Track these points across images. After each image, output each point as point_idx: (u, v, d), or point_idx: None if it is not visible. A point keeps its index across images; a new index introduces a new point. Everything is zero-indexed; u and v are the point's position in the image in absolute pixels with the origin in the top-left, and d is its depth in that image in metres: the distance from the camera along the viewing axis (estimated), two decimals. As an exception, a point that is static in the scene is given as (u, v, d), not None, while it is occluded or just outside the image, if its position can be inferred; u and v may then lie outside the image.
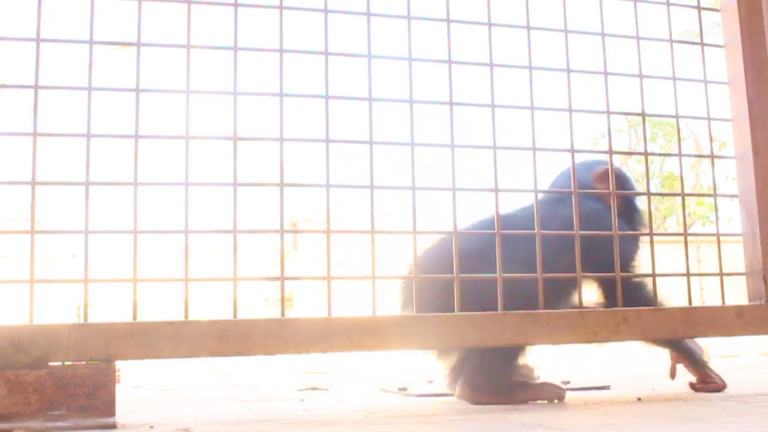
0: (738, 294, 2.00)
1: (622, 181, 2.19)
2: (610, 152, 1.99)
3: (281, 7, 1.73)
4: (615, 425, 1.29)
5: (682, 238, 1.99)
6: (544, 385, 2.02)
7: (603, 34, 1.98)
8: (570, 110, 1.91)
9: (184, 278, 1.60)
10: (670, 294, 2.03)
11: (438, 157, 1.79)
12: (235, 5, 1.69)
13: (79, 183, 1.56)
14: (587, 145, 14.30)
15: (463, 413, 1.67)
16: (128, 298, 1.55)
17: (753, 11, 2.08)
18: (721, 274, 2.02)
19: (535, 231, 1.83)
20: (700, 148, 15.79)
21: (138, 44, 1.62)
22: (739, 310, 1.95)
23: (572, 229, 1.87)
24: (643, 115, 2.00)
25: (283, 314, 1.62)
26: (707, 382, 2.11)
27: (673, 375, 2.24)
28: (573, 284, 1.90)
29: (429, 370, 2.78)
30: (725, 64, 2.13)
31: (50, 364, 1.46)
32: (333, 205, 1.73)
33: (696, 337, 2.00)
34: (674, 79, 2.05)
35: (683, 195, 2.06)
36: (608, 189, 1.98)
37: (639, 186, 2.17)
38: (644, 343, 2.05)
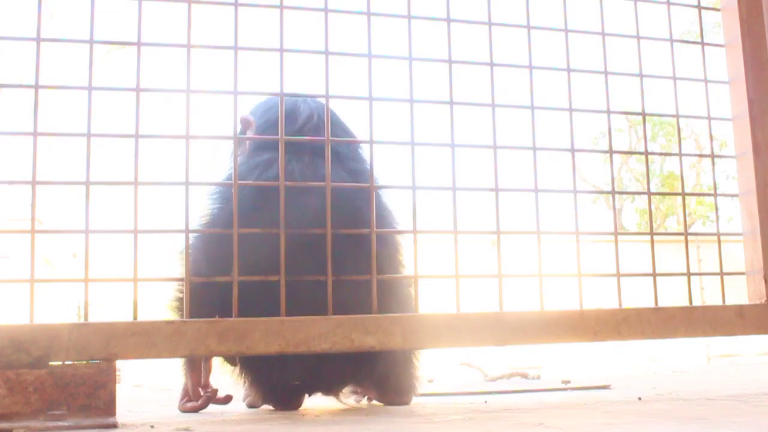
0: (738, 294, 2.00)
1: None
2: (611, 151, 1.99)
3: (281, 7, 1.73)
4: (615, 425, 1.29)
5: (682, 237, 1.99)
6: None
7: (603, 34, 1.98)
8: (570, 110, 1.91)
9: (184, 278, 1.60)
10: (671, 293, 2.02)
11: (438, 157, 1.79)
12: (236, 5, 1.69)
13: (79, 183, 1.56)
14: (588, 144, 14.28)
15: (463, 413, 1.67)
16: (128, 298, 1.55)
17: (753, 11, 2.08)
18: (721, 274, 2.01)
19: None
20: (700, 147, 15.77)
21: (138, 44, 1.62)
22: (739, 309, 1.95)
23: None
24: (643, 114, 2.00)
25: (283, 314, 1.61)
26: None
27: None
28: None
29: (429, 370, 2.78)
30: (726, 63, 2.13)
31: (50, 363, 1.46)
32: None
33: (696, 336, 2.00)
34: (675, 78, 2.04)
35: (683, 194, 2.06)
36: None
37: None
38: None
